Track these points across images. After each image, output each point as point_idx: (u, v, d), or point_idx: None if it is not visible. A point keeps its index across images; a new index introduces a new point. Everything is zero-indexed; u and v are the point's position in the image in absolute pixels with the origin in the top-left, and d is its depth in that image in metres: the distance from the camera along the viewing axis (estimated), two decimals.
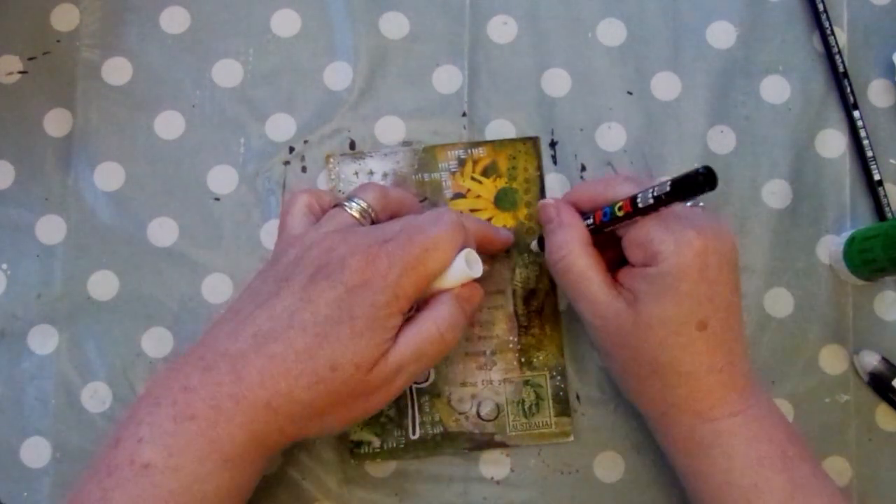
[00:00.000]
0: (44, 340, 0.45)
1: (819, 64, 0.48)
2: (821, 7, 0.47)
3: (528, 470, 0.44)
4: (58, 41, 0.47)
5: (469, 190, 0.46)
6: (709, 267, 0.37)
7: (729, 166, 0.47)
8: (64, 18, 0.48)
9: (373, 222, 0.40)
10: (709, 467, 0.38)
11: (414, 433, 0.44)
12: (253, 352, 0.35)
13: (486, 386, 0.45)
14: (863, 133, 0.46)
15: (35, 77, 0.47)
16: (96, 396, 0.45)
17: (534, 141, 0.46)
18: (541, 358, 0.45)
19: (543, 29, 0.48)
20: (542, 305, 0.45)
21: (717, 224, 0.38)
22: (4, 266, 0.46)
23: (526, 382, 0.45)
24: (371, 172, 0.46)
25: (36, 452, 0.44)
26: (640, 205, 0.37)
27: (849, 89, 0.47)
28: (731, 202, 0.46)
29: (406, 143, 0.47)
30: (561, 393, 0.44)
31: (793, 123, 0.47)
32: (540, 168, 0.46)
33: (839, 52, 0.47)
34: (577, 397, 0.45)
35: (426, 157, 0.46)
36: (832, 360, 0.45)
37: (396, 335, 0.37)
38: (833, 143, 0.47)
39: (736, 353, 0.38)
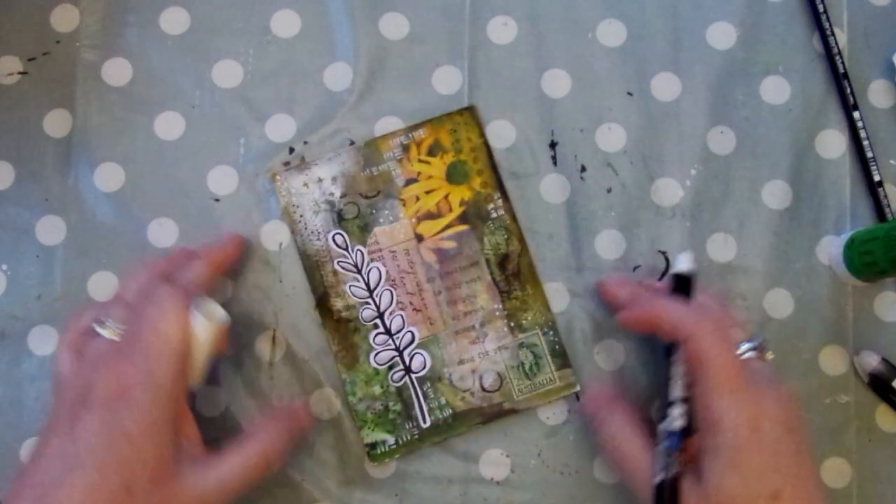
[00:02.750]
0: (44, 341, 0.45)
1: (819, 64, 0.48)
2: (821, 7, 0.47)
3: (528, 470, 0.44)
4: (58, 41, 0.47)
5: (420, 173, 0.46)
6: (764, 434, 0.35)
7: (729, 166, 0.47)
8: (64, 19, 0.48)
9: None
10: None
11: (424, 421, 0.44)
12: None
13: (483, 358, 0.45)
14: (863, 133, 0.46)
15: (35, 77, 0.47)
16: None
17: (469, 110, 0.47)
18: (529, 318, 0.45)
19: (543, 29, 0.48)
20: (518, 267, 0.45)
21: (776, 388, 0.37)
22: (4, 266, 0.46)
23: (520, 345, 0.45)
24: (320, 179, 0.46)
25: None
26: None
27: (849, 90, 0.47)
28: (731, 202, 0.46)
29: (350, 143, 0.46)
30: (557, 346, 0.45)
31: (793, 124, 0.47)
32: (483, 135, 0.46)
33: (839, 52, 0.47)
34: (577, 397, 0.45)
35: (369, 151, 0.46)
36: (832, 361, 0.45)
37: (222, 458, 0.37)
38: (833, 143, 0.47)
39: None
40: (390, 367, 0.45)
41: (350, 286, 0.45)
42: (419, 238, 0.46)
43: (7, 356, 0.45)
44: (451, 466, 0.44)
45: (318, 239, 0.46)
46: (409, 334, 0.45)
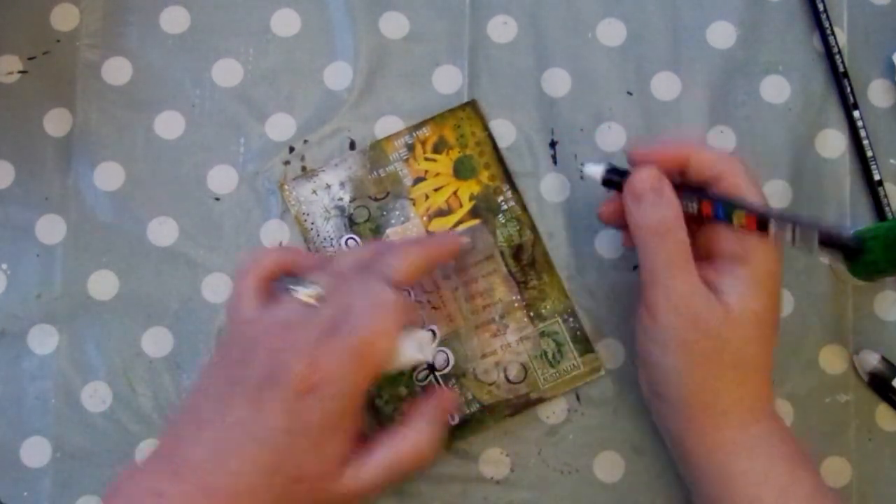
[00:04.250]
0: (44, 340, 0.45)
1: (819, 64, 0.48)
2: (821, 7, 0.47)
3: (527, 470, 0.44)
4: (58, 41, 0.47)
5: (427, 171, 0.46)
6: (777, 274, 0.39)
7: None
8: (64, 18, 0.48)
9: None
10: (749, 466, 0.38)
11: (454, 418, 0.44)
12: (217, 468, 0.34)
13: (506, 350, 0.45)
14: (863, 133, 0.46)
15: (35, 77, 0.47)
16: (96, 396, 0.45)
17: (472, 104, 0.47)
18: (548, 306, 0.45)
19: (543, 29, 0.48)
20: (533, 257, 0.46)
21: None
22: (4, 266, 0.46)
23: (542, 334, 0.45)
24: (328, 186, 0.46)
25: (36, 452, 0.44)
26: (771, 230, 0.38)
27: (849, 89, 0.47)
28: None
29: (352, 146, 0.47)
30: (578, 333, 0.45)
31: (793, 123, 0.47)
32: (487, 128, 0.46)
33: (839, 51, 0.47)
34: (577, 397, 0.45)
35: (375, 153, 0.46)
36: (832, 360, 0.45)
37: (373, 456, 0.37)
38: (833, 143, 0.47)
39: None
40: (414, 367, 0.45)
41: None
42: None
43: (7, 355, 0.45)
44: (451, 465, 0.44)
45: (332, 245, 0.46)
46: (430, 332, 0.45)
